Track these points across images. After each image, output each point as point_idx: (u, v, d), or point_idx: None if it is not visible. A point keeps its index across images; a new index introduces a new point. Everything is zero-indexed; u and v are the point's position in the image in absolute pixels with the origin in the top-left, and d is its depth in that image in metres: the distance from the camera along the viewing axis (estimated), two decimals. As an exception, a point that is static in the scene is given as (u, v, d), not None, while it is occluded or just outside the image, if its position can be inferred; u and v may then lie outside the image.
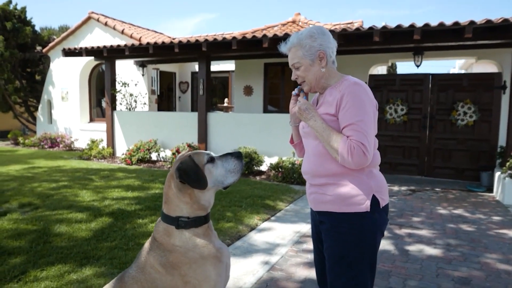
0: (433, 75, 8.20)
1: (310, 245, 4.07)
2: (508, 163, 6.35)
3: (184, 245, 1.68)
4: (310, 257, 3.73)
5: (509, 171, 6.24)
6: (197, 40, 7.97)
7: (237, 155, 1.78)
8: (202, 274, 1.66)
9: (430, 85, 8.16)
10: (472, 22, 5.93)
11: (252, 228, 4.57)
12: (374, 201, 1.76)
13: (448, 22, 6.17)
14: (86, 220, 4.48)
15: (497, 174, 6.78)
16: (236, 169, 1.76)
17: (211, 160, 1.74)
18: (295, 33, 1.87)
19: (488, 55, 7.88)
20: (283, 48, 1.90)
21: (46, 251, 3.56)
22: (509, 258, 3.77)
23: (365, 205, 1.73)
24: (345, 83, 1.76)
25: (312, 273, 3.35)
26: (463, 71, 14.99)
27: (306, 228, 4.64)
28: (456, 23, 6.01)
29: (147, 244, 1.78)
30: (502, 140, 7.51)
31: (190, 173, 1.67)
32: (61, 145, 12.24)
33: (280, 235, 4.38)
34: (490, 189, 7.18)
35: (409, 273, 3.40)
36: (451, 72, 17.11)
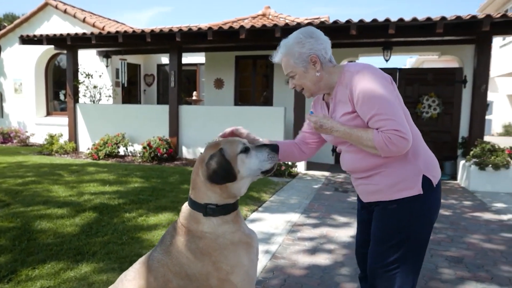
0: (400, 69, 8.57)
1: (304, 233, 4.12)
2: (472, 152, 6.79)
3: (214, 232, 1.61)
4: (308, 244, 3.78)
5: (474, 160, 6.67)
6: (170, 30, 7.74)
7: (273, 148, 1.68)
8: (234, 260, 1.61)
9: (397, 79, 8.52)
10: (443, 18, 6.25)
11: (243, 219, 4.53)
12: (426, 181, 1.68)
13: (420, 17, 6.47)
14: (68, 215, 4.21)
15: (462, 162, 7.22)
16: (271, 159, 1.67)
17: (246, 150, 1.65)
18: (283, 41, 1.78)
19: (451, 51, 8.33)
20: (275, 59, 1.81)
21: (33, 248, 3.30)
22: (490, 237, 4.04)
23: (417, 188, 1.66)
24: (347, 75, 1.66)
25: (315, 259, 3.38)
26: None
27: (295, 217, 4.68)
28: (429, 19, 6.31)
29: (172, 228, 1.70)
30: (463, 131, 8.01)
31: (220, 172, 1.57)
32: (14, 140, 11.43)
33: (272, 224, 4.38)
34: (453, 177, 7.65)
35: (405, 255, 3.53)
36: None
